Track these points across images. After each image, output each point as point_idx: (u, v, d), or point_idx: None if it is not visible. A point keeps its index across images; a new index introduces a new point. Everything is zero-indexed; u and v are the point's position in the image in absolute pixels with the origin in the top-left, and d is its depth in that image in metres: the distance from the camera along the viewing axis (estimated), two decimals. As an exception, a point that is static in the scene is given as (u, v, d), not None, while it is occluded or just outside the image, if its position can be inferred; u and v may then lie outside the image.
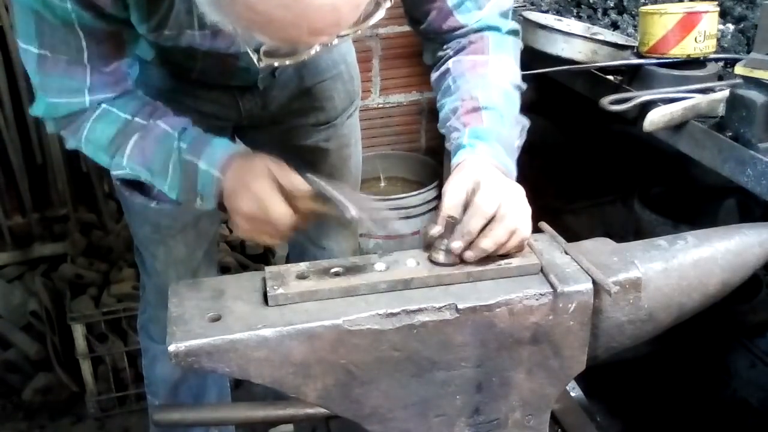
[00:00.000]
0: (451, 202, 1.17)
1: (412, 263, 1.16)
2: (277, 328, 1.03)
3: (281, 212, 1.21)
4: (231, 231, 2.96)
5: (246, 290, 1.12)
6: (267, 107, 1.65)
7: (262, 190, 1.21)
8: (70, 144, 1.36)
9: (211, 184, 1.27)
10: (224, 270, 2.66)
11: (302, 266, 1.15)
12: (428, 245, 1.19)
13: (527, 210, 1.17)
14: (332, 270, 1.14)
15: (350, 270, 1.14)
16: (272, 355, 1.03)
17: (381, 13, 1.06)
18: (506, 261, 1.16)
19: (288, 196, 1.22)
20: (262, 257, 2.99)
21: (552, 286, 1.11)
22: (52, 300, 2.70)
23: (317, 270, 1.14)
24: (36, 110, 1.33)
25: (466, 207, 1.16)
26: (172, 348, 1.00)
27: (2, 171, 2.81)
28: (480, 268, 1.14)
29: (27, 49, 1.23)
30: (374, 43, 3.23)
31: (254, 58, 1.08)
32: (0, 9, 2.57)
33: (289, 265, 1.16)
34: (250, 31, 0.97)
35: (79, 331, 2.52)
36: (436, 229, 1.15)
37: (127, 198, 1.61)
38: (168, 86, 1.53)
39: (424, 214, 3.20)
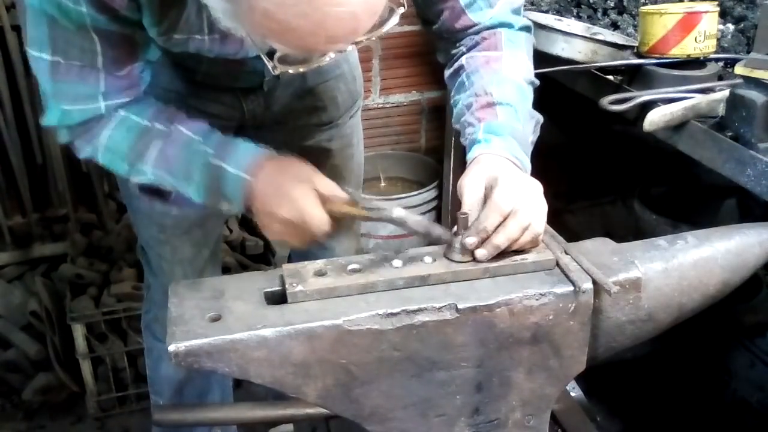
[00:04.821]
0: (470, 200, 1.17)
1: (428, 260, 1.16)
2: (276, 328, 1.03)
3: (320, 219, 1.21)
4: (231, 231, 2.96)
5: (246, 290, 1.12)
6: (270, 107, 1.65)
7: (302, 197, 1.21)
8: (85, 153, 1.33)
9: (240, 187, 1.26)
10: (224, 270, 2.64)
11: (319, 263, 1.15)
12: (430, 244, 1.19)
13: (542, 205, 1.17)
14: (350, 267, 1.14)
15: (367, 267, 1.14)
16: (272, 355, 1.03)
17: (395, 20, 1.06)
18: (522, 257, 1.16)
19: (324, 201, 1.22)
20: (262, 257, 2.98)
21: (573, 284, 1.11)
22: (52, 300, 2.70)
23: (335, 267, 1.14)
24: (49, 120, 1.29)
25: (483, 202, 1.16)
26: (172, 348, 1.00)
27: (2, 171, 2.81)
28: (496, 264, 1.15)
29: (39, 57, 1.20)
30: (374, 43, 3.22)
31: (269, 65, 1.06)
32: (0, 9, 2.57)
33: (306, 262, 1.16)
34: (267, 39, 0.96)
35: (79, 331, 2.52)
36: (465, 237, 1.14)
37: (141, 203, 1.59)
38: (172, 86, 1.52)
39: (424, 214, 3.20)
